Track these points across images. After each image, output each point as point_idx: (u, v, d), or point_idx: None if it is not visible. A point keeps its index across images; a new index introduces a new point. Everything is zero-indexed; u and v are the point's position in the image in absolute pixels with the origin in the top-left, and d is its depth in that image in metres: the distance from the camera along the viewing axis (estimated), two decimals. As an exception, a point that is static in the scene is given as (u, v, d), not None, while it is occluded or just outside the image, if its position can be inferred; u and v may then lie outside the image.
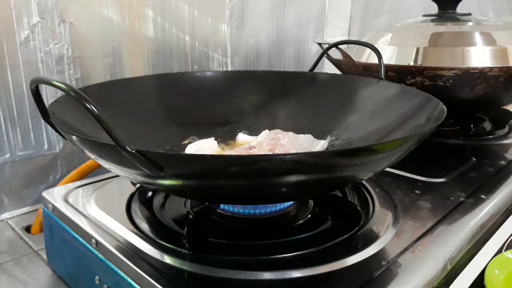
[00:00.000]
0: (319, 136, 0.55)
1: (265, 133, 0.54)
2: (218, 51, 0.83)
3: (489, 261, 0.43)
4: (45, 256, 0.51)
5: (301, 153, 0.33)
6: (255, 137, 0.55)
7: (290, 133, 0.52)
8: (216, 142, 0.53)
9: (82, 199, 0.47)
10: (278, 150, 0.49)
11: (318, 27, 1.04)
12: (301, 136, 0.52)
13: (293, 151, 0.50)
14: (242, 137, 0.56)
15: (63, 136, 0.37)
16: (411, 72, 0.62)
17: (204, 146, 0.52)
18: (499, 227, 0.47)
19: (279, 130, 0.53)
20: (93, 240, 0.40)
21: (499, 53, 0.64)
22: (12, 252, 0.52)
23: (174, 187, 0.35)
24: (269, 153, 0.49)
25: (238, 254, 0.37)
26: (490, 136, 0.72)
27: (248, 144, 0.53)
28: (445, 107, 0.41)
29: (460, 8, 0.74)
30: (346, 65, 0.71)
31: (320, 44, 0.83)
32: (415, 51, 0.67)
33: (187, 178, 0.33)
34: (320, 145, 0.52)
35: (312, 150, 0.51)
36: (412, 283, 0.34)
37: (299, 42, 1.00)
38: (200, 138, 0.54)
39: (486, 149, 0.66)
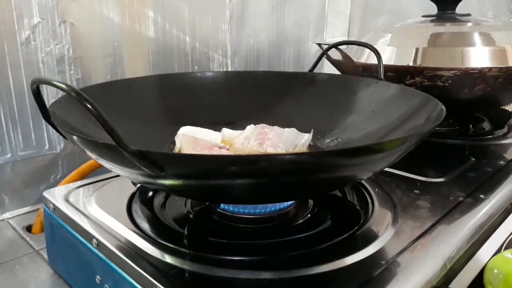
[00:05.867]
0: (319, 136, 0.55)
1: (250, 127, 0.54)
2: (218, 51, 0.83)
3: (488, 261, 0.43)
4: (46, 256, 0.51)
5: (301, 153, 0.33)
6: (240, 131, 0.55)
7: (276, 127, 0.53)
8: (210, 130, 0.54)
9: (83, 199, 0.47)
10: (266, 144, 0.50)
11: (317, 27, 1.04)
12: (287, 130, 0.53)
13: (280, 145, 0.51)
14: (227, 131, 0.56)
15: (64, 136, 0.37)
16: (410, 73, 0.63)
17: (203, 133, 0.53)
18: (498, 227, 0.47)
19: (265, 124, 0.54)
20: (94, 240, 0.40)
21: (498, 53, 0.64)
22: (13, 252, 0.53)
23: (175, 187, 0.36)
24: (260, 149, 0.50)
25: (238, 254, 0.37)
26: (489, 136, 0.72)
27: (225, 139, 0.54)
28: (444, 107, 0.41)
29: (460, 9, 0.75)
30: (346, 66, 0.71)
31: (319, 45, 0.83)
32: (414, 52, 0.67)
33: (187, 178, 0.33)
34: (305, 138, 0.53)
35: (298, 143, 0.53)
36: (411, 282, 0.34)
37: (299, 43, 1.00)
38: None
39: (485, 149, 0.66)
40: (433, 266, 0.36)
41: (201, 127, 0.55)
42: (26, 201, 0.63)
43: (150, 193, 0.48)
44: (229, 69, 0.86)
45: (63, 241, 0.46)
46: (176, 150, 0.51)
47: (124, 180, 0.50)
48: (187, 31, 0.77)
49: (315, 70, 0.64)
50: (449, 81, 0.61)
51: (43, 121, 0.38)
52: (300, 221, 0.43)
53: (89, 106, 0.28)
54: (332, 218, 0.43)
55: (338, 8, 1.10)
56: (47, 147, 0.64)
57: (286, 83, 0.61)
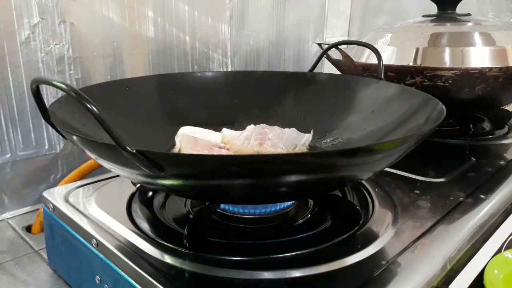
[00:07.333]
0: (319, 136, 0.55)
1: (250, 127, 0.54)
2: (218, 51, 0.83)
3: (489, 261, 0.43)
4: (45, 256, 0.51)
5: (301, 153, 0.33)
6: (240, 131, 0.55)
7: (276, 127, 0.53)
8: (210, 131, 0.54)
9: (83, 199, 0.47)
10: (266, 144, 0.50)
11: (317, 27, 1.04)
12: (286, 130, 0.53)
13: (280, 145, 0.51)
14: (227, 131, 0.56)
15: (63, 136, 0.37)
16: (410, 72, 0.63)
17: (203, 133, 0.53)
18: (499, 227, 0.47)
19: (265, 124, 0.54)
20: (94, 240, 0.40)
21: (499, 53, 0.64)
22: (12, 252, 0.53)
23: (174, 187, 0.36)
24: (260, 150, 0.50)
25: (238, 254, 0.37)
26: (490, 136, 0.72)
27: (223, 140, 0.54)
28: (444, 107, 0.41)
29: (460, 9, 0.75)
30: (346, 66, 0.71)
31: (319, 45, 0.83)
32: (414, 52, 0.67)
33: (187, 178, 0.33)
34: (305, 138, 0.53)
35: (298, 143, 0.53)
36: (411, 282, 0.34)
37: (299, 43, 1.00)
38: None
39: (485, 149, 0.66)
40: (433, 266, 0.36)
41: (201, 127, 0.55)
42: (26, 201, 0.63)
43: (150, 193, 0.48)
44: (229, 69, 0.86)
45: (62, 241, 0.46)
46: (176, 150, 0.51)
47: (124, 180, 0.50)
48: (187, 31, 0.77)
49: (315, 70, 0.64)
50: (449, 81, 0.61)
51: (43, 121, 0.38)
52: (300, 221, 0.43)
53: (88, 106, 0.28)
54: (332, 218, 0.43)
55: (338, 8, 1.10)
56: (46, 147, 0.64)
57: (286, 83, 0.61)
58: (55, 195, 0.48)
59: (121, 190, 0.50)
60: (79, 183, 0.52)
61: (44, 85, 0.54)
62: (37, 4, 0.59)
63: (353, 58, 0.69)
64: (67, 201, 0.47)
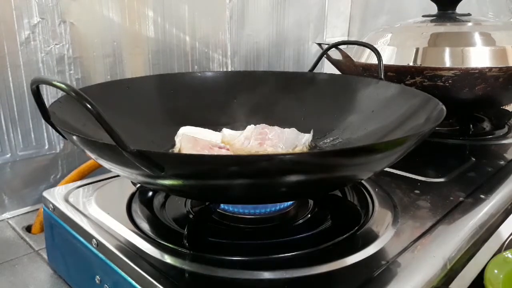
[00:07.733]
0: (319, 136, 0.55)
1: (250, 127, 0.54)
2: (218, 51, 0.83)
3: (489, 261, 0.43)
4: (45, 256, 0.51)
5: (301, 153, 0.33)
6: (240, 131, 0.55)
7: (276, 127, 0.53)
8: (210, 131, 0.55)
9: (83, 199, 0.47)
10: (266, 144, 0.50)
11: (317, 27, 1.04)
12: (286, 130, 0.53)
13: (280, 145, 0.51)
14: (227, 131, 0.56)
15: (63, 136, 0.37)
16: (410, 73, 0.63)
17: (203, 133, 0.53)
18: (499, 227, 0.47)
19: (265, 124, 0.54)
20: (94, 240, 0.40)
21: (499, 53, 0.64)
22: (12, 252, 0.53)
23: (175, 187, 0.36)
24: (260, 150, 0.50)
25: (238, 254, 0.37)
26: (490, 136, 0.72)
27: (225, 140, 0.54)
28: (444, 107, 0.41)
29: (460, 8, 0.75)
30: (346, 66, 0.71)
31: (319, 45, 0.83)
32: (414, 52, 0.67)
33: (187, 178, 0.33)
34: (305, 138, 0.53)
35: (298, 143, 0.53)
36: (411, 282, 0.34)
37: (299, 43, 1.00)
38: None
39: (485, 149, 0.66)
40: (433, 266, 0.36)
41: (201, 127, 0.55)
42: (26, 201, 0.63)
43: (150, 193, 0.48)
44: (229, 69, 0.86)
45: (62, 241, 0.46)
46: (176, 150, 0.51)
47: (124, 180, 0.50)
48: (187, 31, 0.77)
49: (315, 70, 0.64)
50: (449, 81, 0.61)
51: (43, 121, 0.38)
52: (300, 221, 0.43)
53: (88, 106, 0.28)
54: (332, 218, 0.43)
55: (338, 8, 1.10)
56: (46, 147, 0.64)
57: (286, 83, 0.61)
58: (55, 195, 0.48)
59: (121, 190, 0.50)
60: (79, 183, 0.52)
61: (44, 85, 0.54)
62: (37, 4, 0.59)
63: (353, 58, 0.69)
64: (67, 201, 0.47)
